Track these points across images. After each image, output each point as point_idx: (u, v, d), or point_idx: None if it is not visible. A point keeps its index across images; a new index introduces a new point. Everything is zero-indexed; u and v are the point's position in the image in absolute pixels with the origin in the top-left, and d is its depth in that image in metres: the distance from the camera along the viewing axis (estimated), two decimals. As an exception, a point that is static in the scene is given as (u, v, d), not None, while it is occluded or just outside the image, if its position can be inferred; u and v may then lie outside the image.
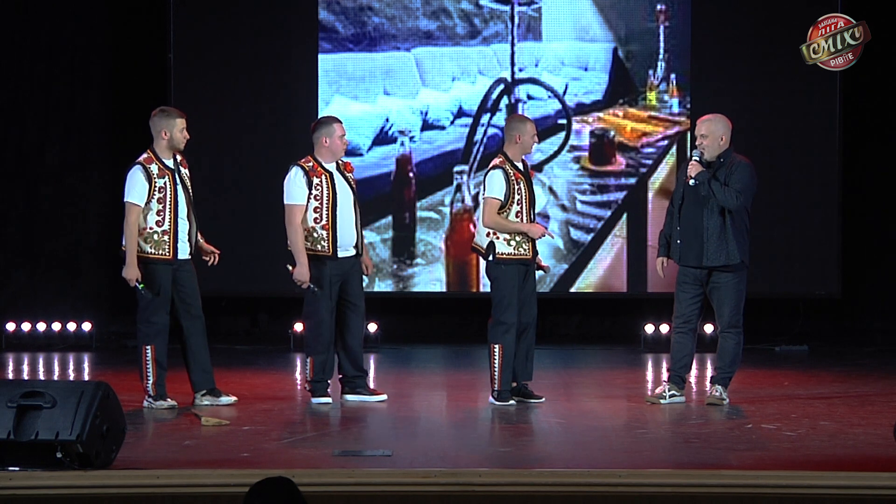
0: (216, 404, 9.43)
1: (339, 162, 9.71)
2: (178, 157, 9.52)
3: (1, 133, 13.43)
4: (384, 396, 9.71)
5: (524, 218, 9.52)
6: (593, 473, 6.99)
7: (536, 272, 9.71)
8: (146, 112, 9.66)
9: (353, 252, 9.65)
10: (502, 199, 9.47)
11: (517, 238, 9.51)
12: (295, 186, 9.57)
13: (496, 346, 9.48)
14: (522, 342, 9.58)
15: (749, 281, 9.67)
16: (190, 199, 9.48)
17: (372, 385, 9.90)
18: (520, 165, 9.60)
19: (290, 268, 9.59)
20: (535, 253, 9.62)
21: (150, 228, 9.34)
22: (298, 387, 10.89)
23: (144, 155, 9.44)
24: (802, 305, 13.46)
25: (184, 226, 9.42)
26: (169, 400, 9.39)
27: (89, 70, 13.60)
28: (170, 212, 9.36)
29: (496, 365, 9.48)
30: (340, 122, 9.76)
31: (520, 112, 13.09)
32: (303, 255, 9.52)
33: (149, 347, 9.36)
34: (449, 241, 13.26)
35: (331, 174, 9.61)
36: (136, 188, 9.33)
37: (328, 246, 9.53)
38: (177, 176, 9.42)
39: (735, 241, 9.41)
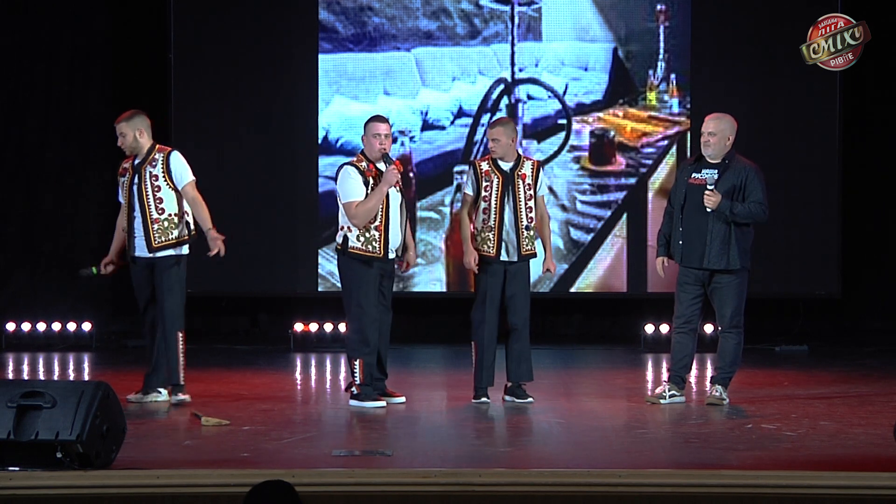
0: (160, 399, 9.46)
1: (388, 161, 9.42)
2: (153, 154, 9.44)
3: (1, 133, 13.41)
4: (402, 399, 9.64)
5: (491, 215, 9.53)
6: (593, 473, 6.99)
7: (523, 272, 9.68)
8: (146, 112, 9.66)
9: (393, 255, 9.50)
10: (472, 193, 9.58)
11: (489, 238, 9.52)
12: (351, 184, 9.31)
13: (472, 343, 9.66)
14: (513, 344, 9.63)
15: (749, 281, 9.67)
16: (145, 195, 9.37)
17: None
18: (504, 165, 9.58)
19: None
20: (516, 254, 9.60)
21: None
22: (342, 389, 10.85)
23: None
24: (802, 305, 13.46)
25: (136, 223, 9.39)
26: (138, 394, 9.49)
27: (89, 70, 13.59)
28: (125, 207, 9.47)
29: (473, 362, 9.65)
30: (384, 121, 9.53)
31: (519, 112, 13.11)
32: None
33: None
34: (449, 242, 13.25)
35: (381, 173, 9.38)
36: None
37: (379, 247, 9.33)
38: (136, 174, 9.41)
39: (738, 246, 9.42)
